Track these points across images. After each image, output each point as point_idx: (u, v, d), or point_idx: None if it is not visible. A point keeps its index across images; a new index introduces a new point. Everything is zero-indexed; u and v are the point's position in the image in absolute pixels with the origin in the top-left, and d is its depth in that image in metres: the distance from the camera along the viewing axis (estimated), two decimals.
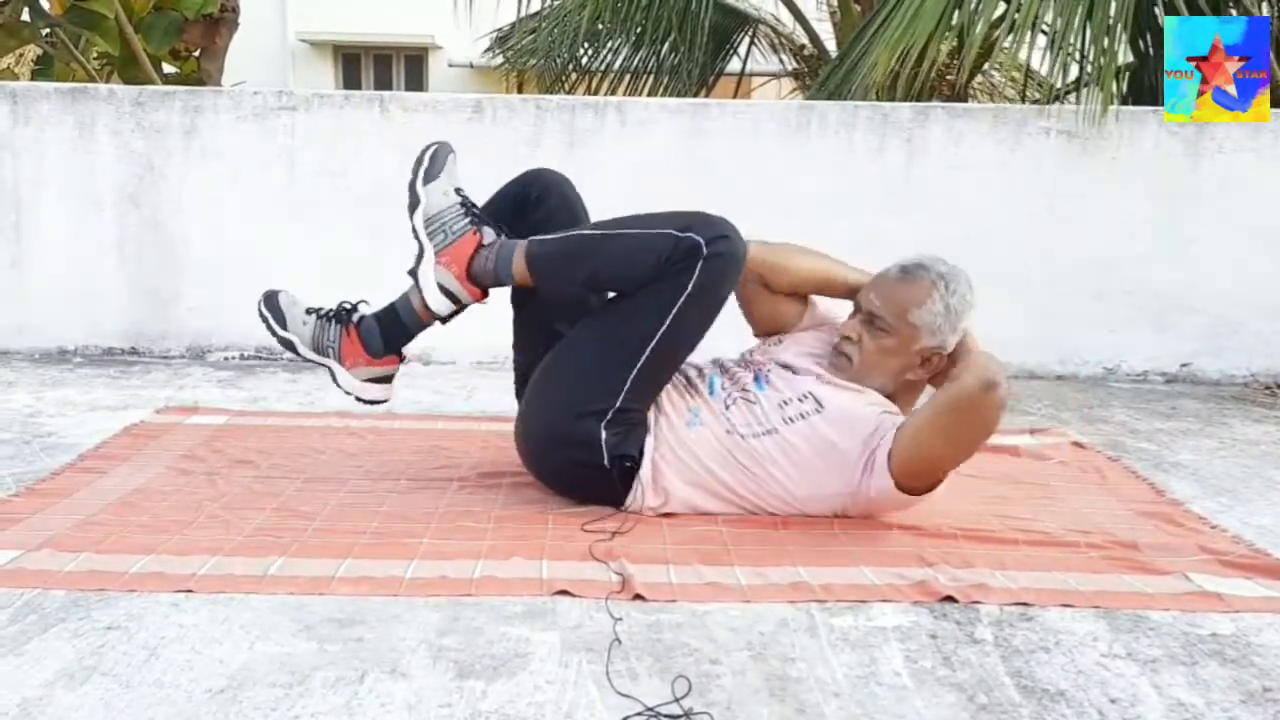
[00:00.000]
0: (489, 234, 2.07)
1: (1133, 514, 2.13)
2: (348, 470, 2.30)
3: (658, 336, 1.96)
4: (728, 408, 2.02)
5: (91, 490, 2.10)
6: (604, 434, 1.97)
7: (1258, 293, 3.60)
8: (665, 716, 1.30)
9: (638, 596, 1.65)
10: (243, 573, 1.69)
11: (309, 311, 2.16)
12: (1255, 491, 2.34)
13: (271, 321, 2.15)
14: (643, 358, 1.96)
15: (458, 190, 2.10)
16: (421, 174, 2.09)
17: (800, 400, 1.99)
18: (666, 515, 2.02)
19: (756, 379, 2.06)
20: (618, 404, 1.97)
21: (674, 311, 1.94)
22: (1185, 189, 3.57)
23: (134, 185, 3.54)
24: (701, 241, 1.92)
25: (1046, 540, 1.95)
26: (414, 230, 2.08)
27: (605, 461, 1.98)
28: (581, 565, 1.77)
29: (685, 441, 2.00)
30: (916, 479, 1.93)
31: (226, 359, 3.58)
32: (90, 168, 3.53)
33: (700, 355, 2.18)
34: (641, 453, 2.00)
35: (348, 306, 2.17)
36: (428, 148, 2.13)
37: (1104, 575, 1.79)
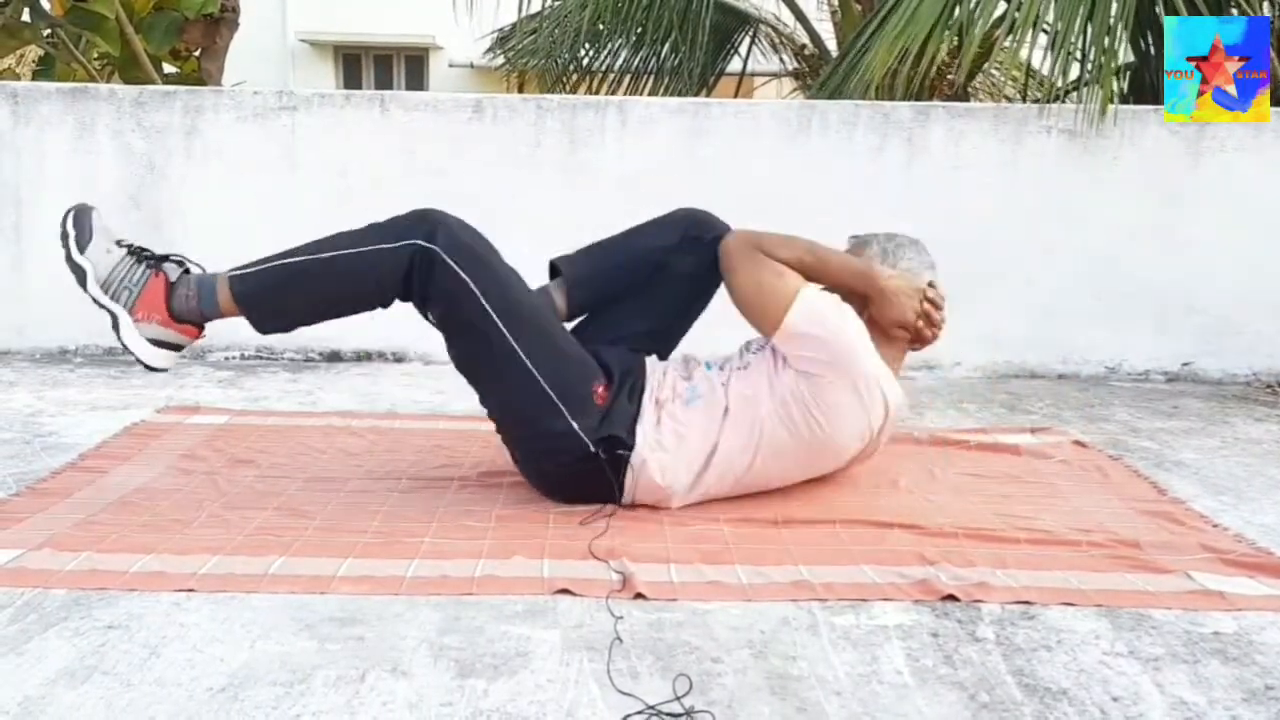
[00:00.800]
0: (172, 270, 1.98)
1: (1135, 513, 2.13)
2: (349, 470, 2.30)
3: (506, 331, 1.94)
4: (722, 368, 2.10)
5: (92, 490, 2.10)
6: (574, 423, 1.97)
7: (1259, 291, 3.59)
8: (666, 715, 1.30)
9: (639, 595, 1.65)
10: (244, 572, 1.69)
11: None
12: (1257, 490, 2.34)
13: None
14: (524, 355, 1.96)
15: (119, 242, 1.98)
16: (73, 245, 1.95)
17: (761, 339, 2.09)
18: (667, 514, 2.02)
19: (754, 354, 2.11)
20: (555, 396, 1.97)
21: (486, 304, 1.93)
22: (1186, 188, 3.57)
23: (135, 185, 3.54)
24: (426, 245, 1.92)
25: (1048, 539, 1.95)
26: (95, 301, 1.95)
27: (592, 449, 1.98)
28: (582, 564, 1.77)
29: (688, 415, 2.02)
30: (757, 319, 2.04)
31: (227, 359, 3.57)
32: (91, 168, 3.53)
33: (701, 350, 2.19)
34: (631, 437, 1.99)
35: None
36: (64, 218, 1.97)
37: (1106, 574, 1.79)
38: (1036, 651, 1.51)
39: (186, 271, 2.01)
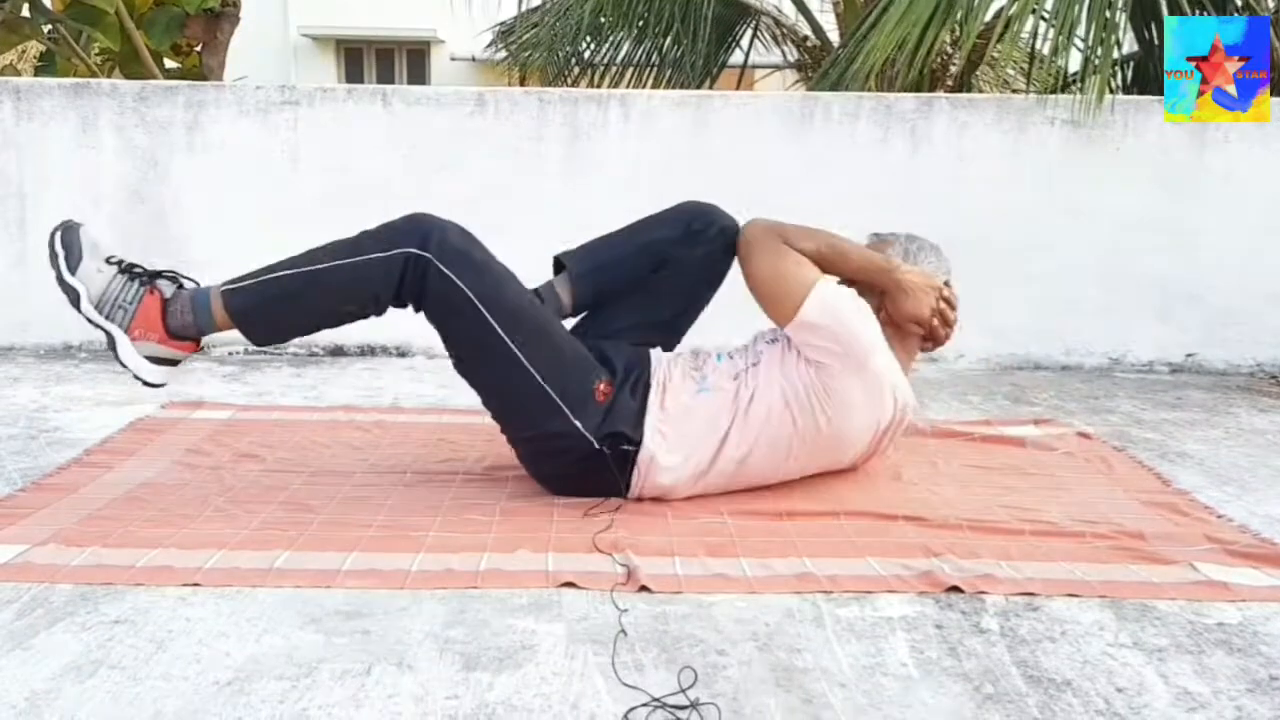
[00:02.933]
0: (166, 287, 1.96)
1: (1139, 504, 2.13)
2: (353, 464, 2.30)
3: (503, 333, 1.94)
4: (732, 357, 2.10)
5: (98, 485, 2.10)
6: (578, 423, 1.97)
7: (1263, 282, 3.59)
8: (672, 707, 1.30)
9: (643, 588, 1.65)
10: (249, 566, 1.70)
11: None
12: (1262, 481, 2.34)
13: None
14: (522, 355, 1.95)
15: (109, 259, 1.95)
16: (63, 266, 1.91)
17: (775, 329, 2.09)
18: (671, 507, 2.02)
19: (766, 345, 2.11)
20: (556, 396, 1.96)
21: (481, 308, 1.92)
22: (1190, 178, 3.56)
23: (137, 180, 3.54)
24: (419, 253, 1.92)
25: (1052, 530, 1.95)
26: (90, 321, 1.92)
27: (597, 446, 1.98)
28: (587, 557, 1.77)
29: (698, 406, 2.02)
30: (771, 308, 2.03)
31: (230, 354, 3.58)
32: (94, 163, 3.53)
33: (705, 344, 2.19)
34: (638, 433, 1.99)
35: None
36: (51, 237, 1.93)
37: (1110, 565, 1.79)
38: (1041, 643, 1.52)
39: (180, 287, 1.99)
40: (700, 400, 2.03)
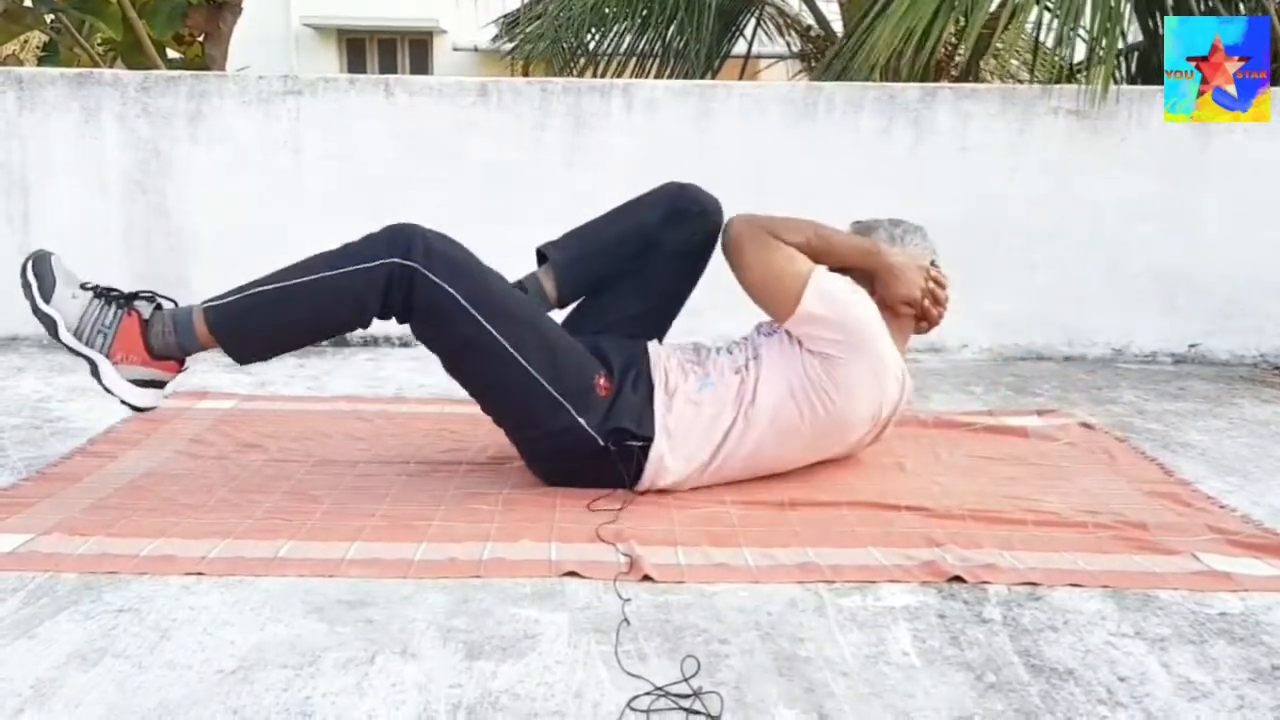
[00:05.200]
0: (144, 307, 1.94)
1: (1141, 494, 2.13)
2: (356, 453, 2.30)
3: (497, 333, 1.92)
4: (731, 352, 2.09)
5: (102, 474, 2.11)
6: (581, 419, 1.96)
7: (1268, 272, 3.58)
8: (674, 696, 1.31)
9: (646, 577, 1.65)
10: (253, 555, 1.70)
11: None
12: (1264, 471, 2.34)
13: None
14: (519, 355, 1.93)
15: (83, 286, 1.93)
16: (37, 295, 1.89)
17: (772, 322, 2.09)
18: (674, 496, 2.02)
19: (765, 337, 2.11)
20: (557, 393, 1.95)
21: (473, 311, 1.91)
22: (1194, 169, 3.55)
23: (140, 171, 3.54)
24: (404, 262, 1.88)
25: (1055, 521, 1.95)
26: (70, 350, 1.90)
27: (602, 443, 1.97)
28: (590, 547, 1.77)
29: (702, 402, 2.01)
30: (769, 304, 2.03)
31: None
32: (96, 153, 3.53)
33: (702, 334, 2.19)
34: (645, 428, 1.99)
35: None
36: (23, 268, 1.91)
37: (1112, 555, 1.79)
38: (1043, 632, 1.52)
39: (158, 307, 1.97)
40: (704, 396, 2.02)
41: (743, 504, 2.00)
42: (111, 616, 1.50)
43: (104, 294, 1.94)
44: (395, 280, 1.90)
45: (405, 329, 3.53)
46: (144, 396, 1.94)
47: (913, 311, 2.12)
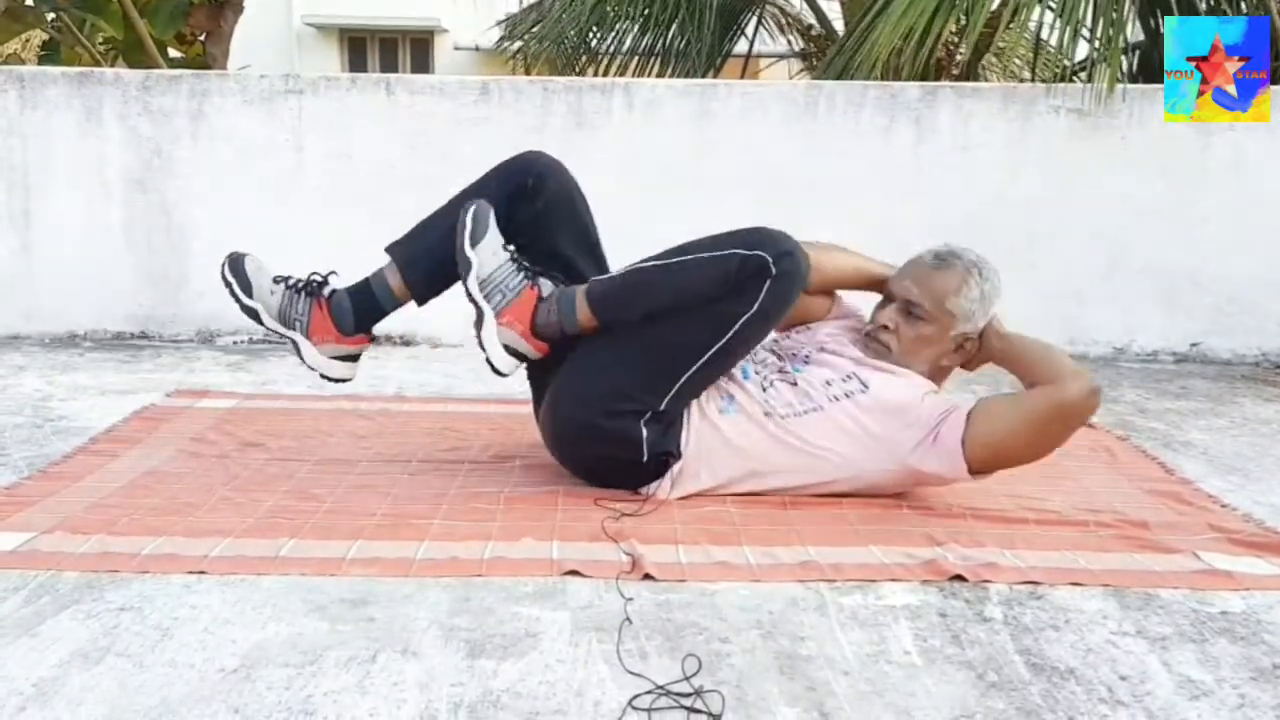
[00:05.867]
0: (546, 285, 2.02)
1: (1142, 493, 2.13)
2: (358, 452, 2.30)
3: (714, 349, 1.93)
4: (765, 390, 2.01)
5: (103, 473, 2.11)
6: (645, 431, 1.95)
7: (1269, 271, 3.58)
8: (676, 695, 1.31)
9: (647, 576, 1.65)
10: (255, 554, 1.70)
11: (277, 280, 2.09)
12: (1266, 470, 2.34)
13: (236, 288, 2.07)
14: (694, 367, 1.94)
15: (505, 246, 2.02)
16: (467, 237, 1.98)
17: (844, 380, 1.99)
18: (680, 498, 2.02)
19: (794, 362, 2.06)
20: (661, 406, 1.95)
21: (735, 328, 1.91)
22: (1195, 167, 3.55)
23: (141, 169, 3.54)
24: (769, 260, 1.88)
25: (1056, 519, 1.95)
26: (469, 294, 1.99)
27: (645, 458, 1.97)
28: (591, 546, 1.77)
29: (719, 428, 1.99)
30: (989, 464, 1.94)
31: (235, 343, 3.58)
32: (98, 152, 3.53)
33: None
34: (679, 447, 1.99)
35: (318, 279, 2.11)
36: (466, 208, 2.00)
37: (1113, 554, 1.79)
38: (1044, 631, 1.52)
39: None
40: (723, 421, 1.99)
41: (743, 503, 1.99)
42: (113, 615, 1.50)
43: (518, 260, 2.02)
44: (751, 268, 1.88)
45: (408, 327, 3.56)
46: (506, 362, 2.01)
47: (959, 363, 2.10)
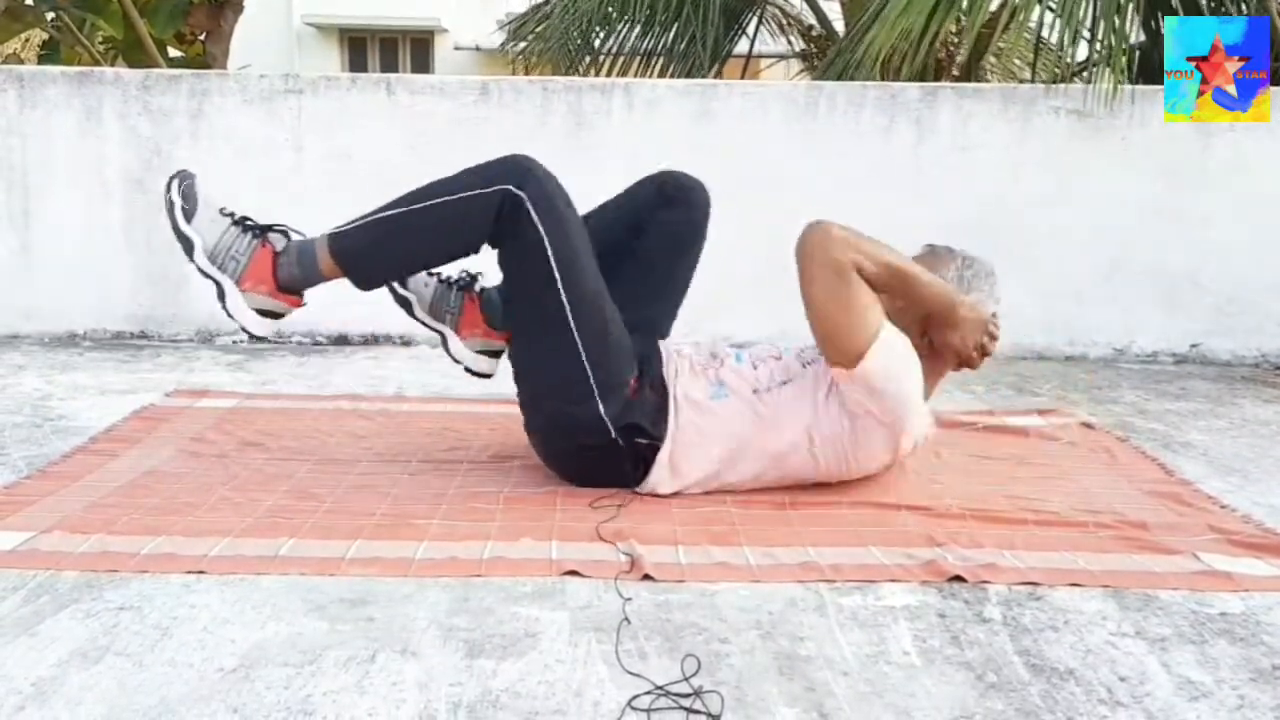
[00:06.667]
0: (278, 240, 2.00)
1: (1142, 494, 2.13)
2: (358, 452, 2.30)
3: (565, 299, 1.93)
4: (755, 367, 2.04)
5: (103, 473, 2.11)
6: (602, 408, 1.96)
7: (1269, 272, 3.58)
8: (675, 695, 1.31)
9: (646, 576, 1.65)
10: (254, 554, 1.70)
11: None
12: (1265, 471, 2.34)
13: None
14: (575, 328, 1.94)
15: (222, 210, 1.99)
16: (179, 215, 1.96)
17: (816, 349, 2.01)
18: (676, 496, 2.02)
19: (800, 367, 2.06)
20: (593, 378, 1.95)
21: (554, 267, 1.92)
22: (1196, 168, 3.55)
23: (141, 169, 3.54)
24: (515, 190, 1.91)
25: (1055, 520, 1.95)
26: (201, 272, 1.96)
27: (614, 435, 1.97)
28: (591, 546, 1.77)
29: (713, 412, 1.99)
30: (827, 345, 1.92)
31: (235, 343, 3.58)
32: (97, 152, 3.53)
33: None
34: (658, 430, 1.98)
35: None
36: (167, 186, 1.98)
37: (1113, 555, 1.79)
38: (1044, 632, 1.52)
39: (289, 240, 2.03)
40: (715, 406, 2.00)
41: (743, 503, 1.99)
42: (112, 614, 1.50)
43: (241, 222, 1.99)
44: (506, 207, 1.91)
45: (405, 329, 3.56)
46: (261, 325, 1.99)
47: (956, 360, 2.05)
